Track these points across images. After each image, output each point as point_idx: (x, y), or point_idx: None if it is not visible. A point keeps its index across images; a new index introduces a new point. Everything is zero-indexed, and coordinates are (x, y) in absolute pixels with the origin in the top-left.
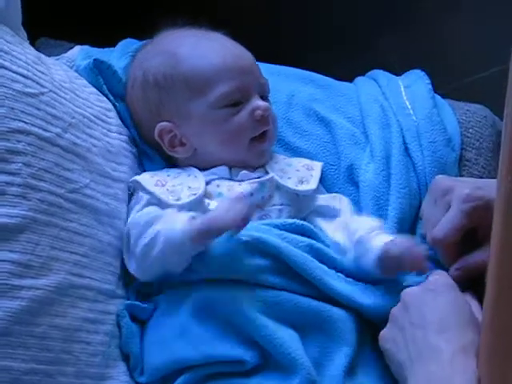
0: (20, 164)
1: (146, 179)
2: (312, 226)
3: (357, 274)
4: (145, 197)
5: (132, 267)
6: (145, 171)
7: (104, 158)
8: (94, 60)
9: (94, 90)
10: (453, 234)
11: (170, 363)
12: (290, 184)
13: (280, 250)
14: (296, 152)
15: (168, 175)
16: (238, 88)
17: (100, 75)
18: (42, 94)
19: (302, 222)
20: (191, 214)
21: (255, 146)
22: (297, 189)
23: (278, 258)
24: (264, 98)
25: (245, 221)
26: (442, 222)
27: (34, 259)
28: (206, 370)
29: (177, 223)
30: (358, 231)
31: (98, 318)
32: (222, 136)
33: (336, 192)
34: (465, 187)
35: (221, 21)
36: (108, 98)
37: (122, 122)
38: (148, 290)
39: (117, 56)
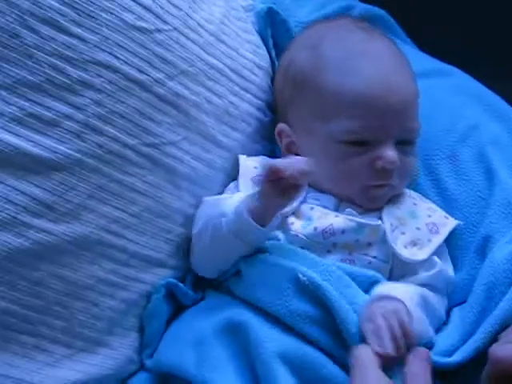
0: (89, 100)
1: (247, 166)
2: None
3: None
4: (232, 184)
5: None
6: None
7: (217, 118)
8: (269, 8)
9: (256, 38)
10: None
11: (174, 366)
12: (399, 242)
13: (336, 308)
14: (443, 193)
15: None
16: (370, 128)
17: (270, 27)
18: (159, 31)
19: (379, 278)
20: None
21: (368, 191)
22: (401, 253)
23: (330, 313)
24: (406, 143)
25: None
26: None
27: (60, 202)
28: None
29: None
30: None
31: (120, 283)
32: (331, 172)
33: (458, 258)
34: None
35: None
36: (270, 55)
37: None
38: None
39: (310, 9)
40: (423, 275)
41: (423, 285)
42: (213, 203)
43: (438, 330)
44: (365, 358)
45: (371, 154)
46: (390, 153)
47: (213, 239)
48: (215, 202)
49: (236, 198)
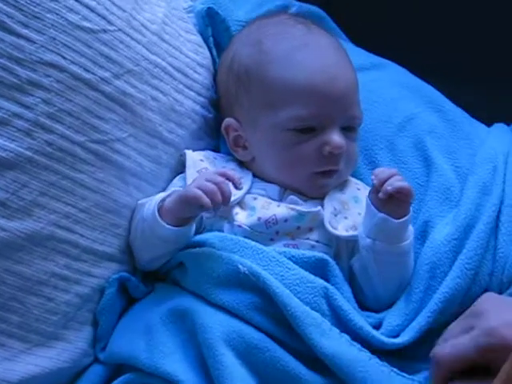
0: (38, 99)
1: (194, 159)
2: (335, 267)
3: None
4: (179, 177)
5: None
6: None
7: (162, 115)
8: (209, 8)
9: (198, 38)
10: (454, 360)
11: (125, 355)
12: (340, 227)
13: (277, 294)
14: None
15: (223, 167)
16: (315, 115)
17: (210, 26)
18: (105, 31)
19: (324, 257)
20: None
21: (317, 179)
22: (341, 234)
23: (272, 300)
24: (349, 129)
25: (216, 202)
26: (452, 342)
27: (13, 199)
28: (148, 380)
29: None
30: None
31: (73, 277)
32: (280, 161)
33: None
34: (498, 318)
35: None
36: (211, 53)
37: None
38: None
39: (248, 9)
40: None
41: None
42: (139, 207)
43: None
44: None
45: (318, 140)
46: (337, 138)
47: (142, 241)
48: (140, 206)
49: (153, 202)
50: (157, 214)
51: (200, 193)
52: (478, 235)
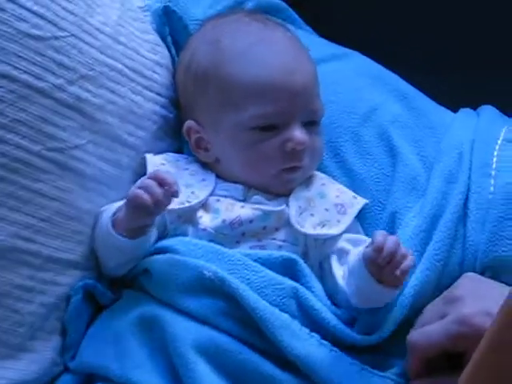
0: None
1: (155, 163)
2: (304, 266)
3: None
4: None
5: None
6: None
7: (121, 118)
8: (165, 7)
9: (155, 37)
10: (427, 347)
11: (95, 365)
12: (307, 224)
13: (244, 298)
14: (349, 173)
15: (185, 169)
16: (277, 112)
17: (168, 25)
18: (56, 38)
19: (292, 257)
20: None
21: (282, 176)
22: (308, 232)
23: (240, 304)
24: (312, 123)
25: (158, 207)
26: (425, 329)
27: None
28: None
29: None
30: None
31: (37, 287)
32: (243, 160)
33: (368, 235)
34: (472, 306)
35: None
36: (170, 52)
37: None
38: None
39: (205, 6)
40: (345, 239)
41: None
42: (100, 214)
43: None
44: None
45: (280, 137)
46: (299, 134)
47: (104, 249)
48: (101, 213)
49: (109, 212)
50: (110, 227)
51: (140, 191)
52: (445, 225)
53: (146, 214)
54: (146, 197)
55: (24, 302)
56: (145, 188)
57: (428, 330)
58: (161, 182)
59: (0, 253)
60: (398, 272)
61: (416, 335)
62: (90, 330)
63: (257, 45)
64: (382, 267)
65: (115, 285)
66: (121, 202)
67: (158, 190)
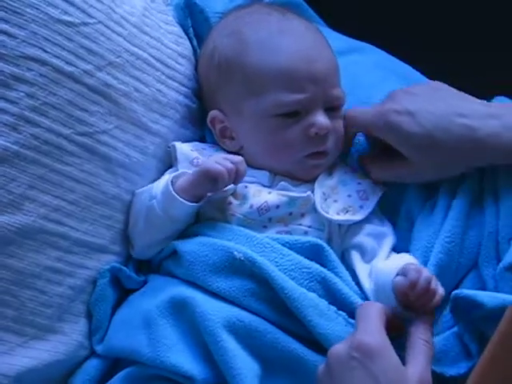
0: (22, 93)
1: (184, 150)
2: (331, 251)
3: None
4: (169, 171)
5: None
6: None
7: (146, 106)
8: (187, 0)
9: (178, 29)
10: (362, 118)
11: (126, 350)
12: (331, 210)
13: (274, 279)
14: None
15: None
16: (300, 99)
17: (190, 17)
18: (85, 24)
19: (319, 242)
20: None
21: (307, 161)
22: (333, 218)
23: (269, 285)
24: (333, 109)
25: (231, 176)
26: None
27: (2, 194)
28: (153, 371)
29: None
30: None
31: (65, 270)
32: (268, 147)
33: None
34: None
35: None
36: (191, 44)
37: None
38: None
39: (225, 0)
40: (365, 232)
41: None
42: (142, 191)
43: None
44: (371, 311)
45: (303, 122)
46: (322, 119)
47: (147, 222)
48: (144, 189)
49: (162, 181)
50: (172, 190)
51: (223, 169)
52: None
53: (215, 183)
54: (221, 167)
55: (52, 284)
56: (218, 162)
57: (364, 110)
58: (231, 161)
59: (29, 234)
60: (425, 308)
61: (353, 109)
62: (118, 315)
63: (278, 34)
64: (411, 301)
65: (141, 270)
66: (166, 176)
67: (230, 165)
